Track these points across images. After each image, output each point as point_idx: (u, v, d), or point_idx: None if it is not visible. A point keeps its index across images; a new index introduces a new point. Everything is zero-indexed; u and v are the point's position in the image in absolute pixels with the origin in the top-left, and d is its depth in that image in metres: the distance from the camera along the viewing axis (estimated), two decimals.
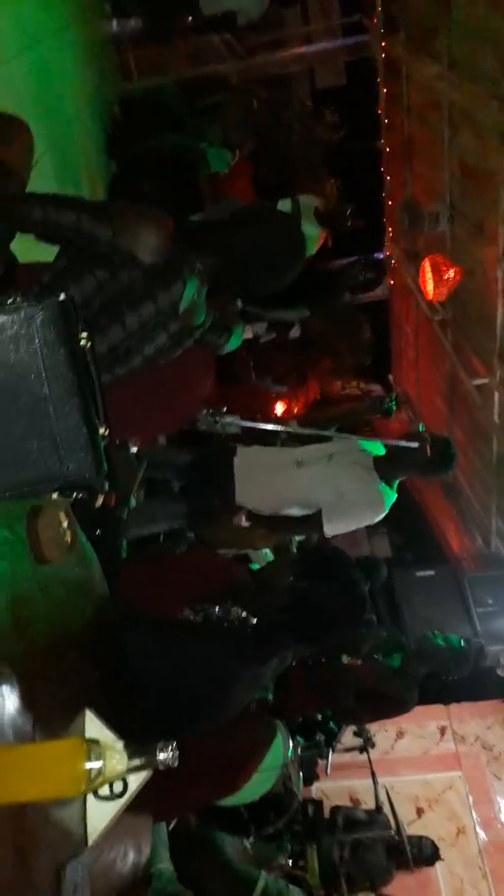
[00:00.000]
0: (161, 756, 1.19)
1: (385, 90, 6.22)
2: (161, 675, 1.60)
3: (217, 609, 1.86)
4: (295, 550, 3.90)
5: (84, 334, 1.05)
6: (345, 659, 3.22)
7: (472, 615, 4.78)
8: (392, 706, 3.45)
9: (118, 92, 5.84)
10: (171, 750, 1.19)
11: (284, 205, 4.26)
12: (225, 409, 2.51)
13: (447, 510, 6.43)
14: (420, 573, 5.09)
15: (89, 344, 1.07)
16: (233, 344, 2.21)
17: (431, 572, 5.14)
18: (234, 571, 2.17)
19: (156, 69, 6.09)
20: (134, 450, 1.85)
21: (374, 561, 4.62)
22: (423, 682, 3.48)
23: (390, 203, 6.43)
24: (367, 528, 5.32)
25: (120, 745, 1.18)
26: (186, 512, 3.20)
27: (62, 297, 1.02)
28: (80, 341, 1.05)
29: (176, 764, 1.19)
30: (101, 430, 1.13)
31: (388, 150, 6.32)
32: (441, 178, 5.06)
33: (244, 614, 1.87)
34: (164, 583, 2.04)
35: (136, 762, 1.18)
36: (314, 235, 4.21)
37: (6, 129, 1.99)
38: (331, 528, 3.01)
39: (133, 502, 3.27)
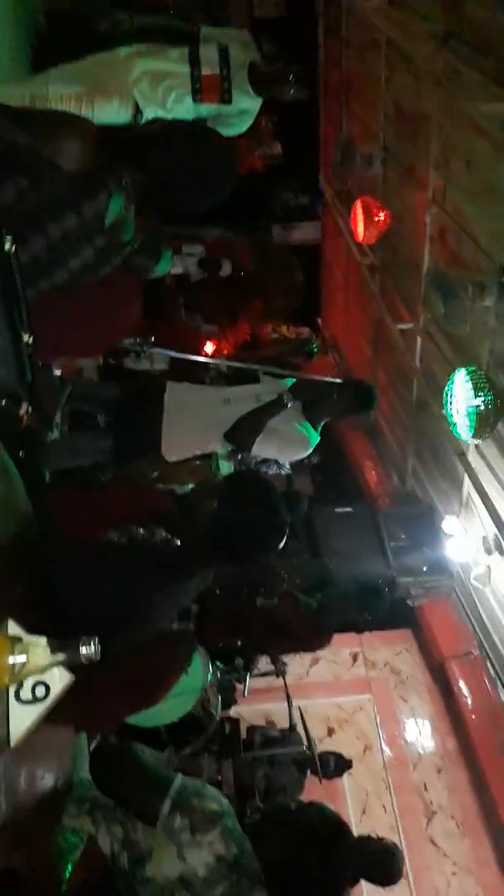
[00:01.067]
0: (83, 650, 1.24)
1: (324, 22, 6.09)
2: (83, 589, 1.64)
3: (141, 531, 1.90)
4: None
5: (8, 238, 1.04)
6: (259, 601, 3.34)
7: (386, 549, 5.03)
8: (303, 645, 3.61)
9: (45, 2, 5.48)
10: (93, 644, 1.24)
11: (208, 49, 3.50)
12: (153, 339, 2.51)
13: (367, 450, 6.65)
14: (339, 510, 5.29)
15: (13, 249, 1.05)
16: (162, 268, 2.19)
17: (349, 509, 5.35)
18: (158, 497, 2.21)
19: None
20: (57, 372, 1.84)
21: (295, 495, 4.77)
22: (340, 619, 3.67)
23: (327, 143, 6.37)
24: (291, 466, 5.47)
25: (43, 640, 1.22)
26: (113, 447, 3.21)
27: None
28: (2, 246, 1.04)
29: (97, 657, 1.24)
30: (25, 338, 1.13)
31: (324, 85, 6.23)
32: (376, 118, 5.05)
33: (168, 536, 1.92)
34: (88, 506, 2.06)
35: (60, 656, 1.23)
36: (250, 108, 3.63)
37: None
38: (257, 449, 3.12)
39: (57, 433, 3.25)
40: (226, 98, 3.48)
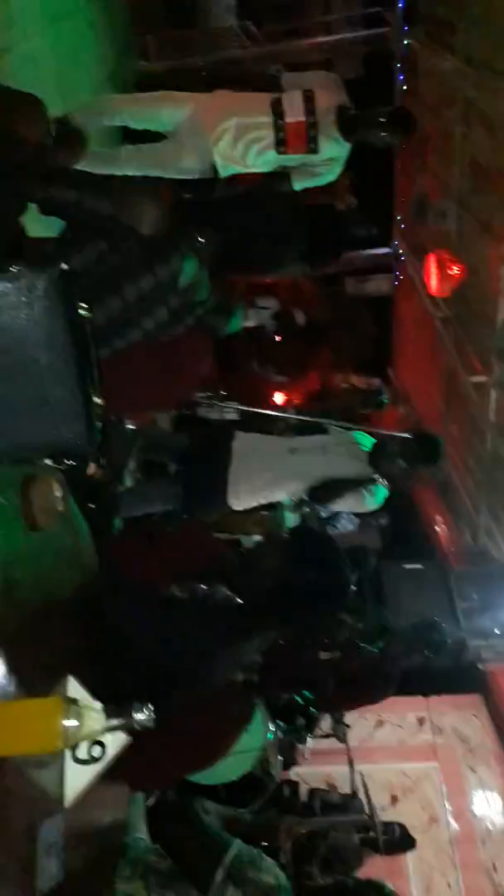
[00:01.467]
0: (137, 717, 1.22)
1: (401, 83, 6.20)
2: (144, 645, 1.63)
3: (203, 587, 1.89)
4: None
5: (83, 305, 1.08)
6: (323, 655, 3.27)
7: (457, 610, 4.83)
8: (370, 694, 3.50)
9: (137, 72, 5.82)
10: (148, 711, 1.22)
11: (292, 95, 3.25)
12: (223, 393, 2.55)
13: (439, 506, 6.48)
14: (408, 566, 5.14)
15: (88, 315, 1.09)
16: (233, 326, 2.23)
17: (419, 566, 5.19)
18: (222, 551, 2.20)
19: (175, 51, 6.06)
20: (130, 427, 1.88)
21: (363, 550, 4.67)
22: (406, 672, 3.54)
23: (402, 198, 6.43)
24: (360, 518, 5.37)
25: (98, 705, 1.22)
26: (182, 494, 3.24)
27: (63, 266, 1.04)
28: (78, 311, 1.08)
29: (152, 725, 1.22)
30: (96, 400, 1.16)
31: (402, 144, 6.31)
32: (451, 173, 5.07)
33: (229, 593, 1.90)
34: (153, 558, 2.07)
35: (114, 722, 1.22)
36: (339, 156, 3.32)
37: (20, 104, 2.01)
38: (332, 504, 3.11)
39: (129, 482, 3.32)
40: (312, 147, 3.20)
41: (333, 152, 3.28)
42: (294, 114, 3.16)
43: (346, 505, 3.23)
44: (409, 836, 4.07)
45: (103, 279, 1.58)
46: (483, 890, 4.44)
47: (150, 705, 1.22)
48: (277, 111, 3.15)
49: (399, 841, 4.05)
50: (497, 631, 4.87)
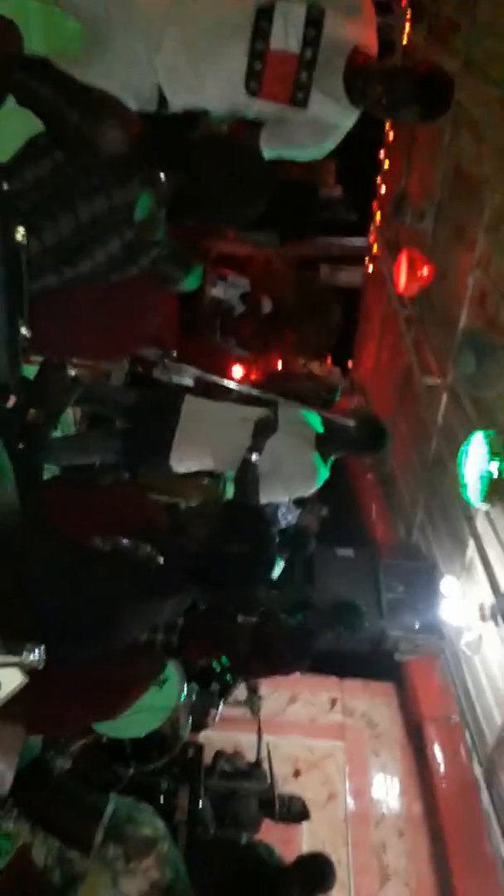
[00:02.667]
0: (29, 657, 1.24)
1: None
2: (57, 588, 1.65)
3: (126, 542, 1.91)
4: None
5: (21, 230, 1.06)
6: (240, 618, 3.31)
7: (382, 599, 4.98)
8: (284, 665, 3.58)
9: None
10: (39, 653, 1.24)
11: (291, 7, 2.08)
12: (175, 353, 2.54)
13: (379, 499, 6.62)
14: (341, 552, 5.26)
15: (25, 241, 1.07)
16: (191, 283, 2.17)
17: (351, 552, 5.32)
18: (153, 512, 2.22)
19: None
20: (73, 373, 1.87)
21: (305, 533, 4.73)
22: (325, 652, 3.62)
23: (383, 191, 6.47)
24: (300, 503, 5.45)
25: None
26: (122, 449, 3.23)
27: (4, 186, 1.01)
28: (14, 235, 1.05)
29: (39, 667, 1.24)
30: (23, 331, 1.15)
31: (391, 138, 6.33)
32: (434, 175, 5.12)
33: (153, 553, 1.93)
34: (80, 506, 2.07)
35: (3, 658, 1.23)
36: (338, 123, 2.22)
37: None
38: (264, 497, 3.12)
39: (68, 428, 3.29)
40: (298, 97, 2.11)
41: (329, 114, 2.17)
42: (284, 38, 2.06)
43: (288, 482, 3.26)
44: (306, 810, 4.21)
45: (57, 193, 1.54)
46: (370, 868, 4.63)
47: (42, 647, 1.23)
48: (261, 26, 2.05)
49: (296, 813, 4.19)
50: (417, 625, 5.04)
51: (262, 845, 2.84)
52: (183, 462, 3.18)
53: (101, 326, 1.97)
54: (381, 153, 6.40)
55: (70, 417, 3.81)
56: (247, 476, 3.02)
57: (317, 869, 2.75)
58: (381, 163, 6.39)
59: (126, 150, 1.55)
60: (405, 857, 4.67)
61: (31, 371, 1.98)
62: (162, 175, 1.60)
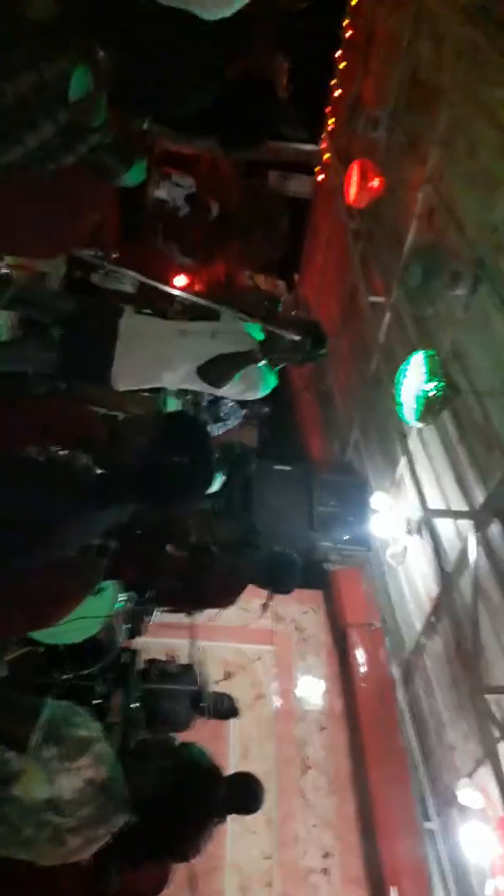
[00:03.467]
0: None
1: None
2: None
3: (63, 452, 1.86)
4: None
5: None
6: (168, 548, 3.31)
7: (314, 512, 5.13)
8: (205, 602, 3.63)
9: None
10: None
11: None
12: (115, 256, 2.41)
13: (316, 415, 6.70)
14: (278, 467, 5.35)
15: None
16: (133, 177, 2.01)
17: (288, 468, 5.41)
18: (89, 421, 2.15)
19: None
20: (5, 270, 1.74)
21: (248, 451, 4.74)
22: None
23: (336, 94, 6.19)
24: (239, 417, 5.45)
25: None
26: (58, 362, 3.12)
27: None
28: None
29: None
30: None
31: (347, 36, 6.01)
32: (391, 81, 4.92)
33: (89, 463, 1.89)
34: (12, 414, 2.00)
35: None
36: None
37: None
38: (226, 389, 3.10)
39: (3, 334, 3.13)
40: None
41: None
42: None
43: (237, 388, 3.22)
44: (235, 707, 4.43)
45: None
46: (293, 760, 4.97)
47: None
48: None
49: (225, 710, 4.41)
50: (346, 537, 5.23)
51: (193, 745, 2.97)
52: (124, 379, 3.11)
53: (34, 220, 1.83)
54: (338, 53, 6.08)
55: (3, 322, 3.63)
56: (237, 364, 3.02)
57: (247, 786, 2.88)
58: (336, 63, 6.08)
59: (55, 16, 1.36)
60: (324, 750, 5.02)
61: None
62: (100, 50, 1.42)
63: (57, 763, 2.15)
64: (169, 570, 3.17)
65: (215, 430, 4.26)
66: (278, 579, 3.46)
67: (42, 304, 3.21)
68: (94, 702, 3.62)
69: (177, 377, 3.24)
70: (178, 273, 5.96)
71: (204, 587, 3.31)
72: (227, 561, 3.43)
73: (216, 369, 3.04)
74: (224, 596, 3.52)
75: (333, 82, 6.22)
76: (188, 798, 2.48)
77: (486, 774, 3.48)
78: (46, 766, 2.15)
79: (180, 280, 5.93)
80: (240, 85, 1.92)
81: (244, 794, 2.86)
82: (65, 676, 3.53)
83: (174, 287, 4.65)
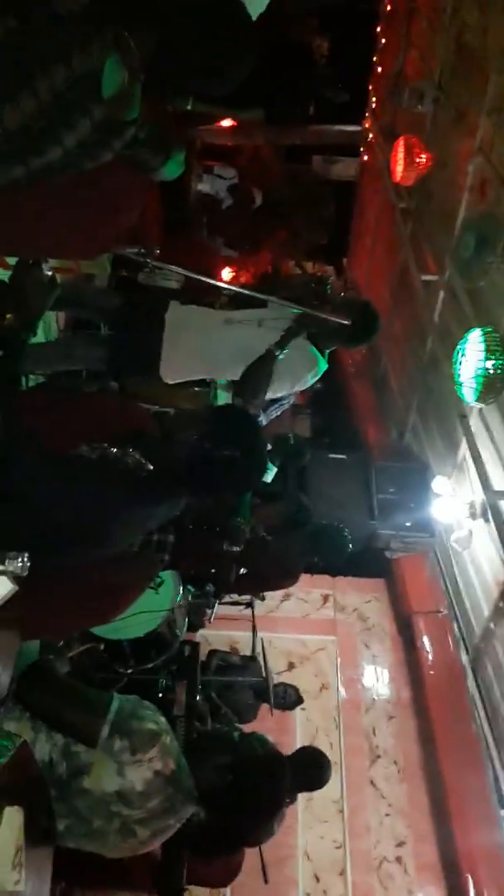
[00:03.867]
0: (10, 566, 1.22)
1: None
2: (43, 497, 1.61)
3: (114, 450, 1.86)
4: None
5: None
6: (225, 546, 3.31)
7: (373, 500, 5.04)
8: (269, 585, 3.63)
9: None
10: (23, 560, 1.22)
11: None
12: (158, 251, 2.40)
13: (371, 401, 6.58)
14: (333, 455, 5.28)
15: None
16: (171, 171, 1.98)
17: (343, 456, 5.34)
18: (140, 418, 2.16)
19: None
20: (49, 273, 1.74)
21: (301, 442, 4.69)
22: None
23: (378, 70, 6.03)
24: (293, 407, 5.41)
25: None
26: (107, 358, 3.14)
27: None
28: None
29: (25, 574, 1.22)
30: None
31: (389, 9, 5.84)
32: (435, 52, 4.76)
33: (141, 460, 1.89)
34: (64, 413, 2.01)
35: None
36: None
37: None
38: (271, 393, 3.07)
39: (44, 336, 3.16)
40: None
41: None
42: None
43: (284, 386, 3.19)
44: (300, 697, 4.41)
45: (14, 65, 1.34)
46: (361, 749, 4.92)
47: (26, 555, 1.21)
48: None
49: (290, 701, 4.39)
50: (408, 524, 5.13)
51: (255, 736, 2.96)
52: (173, 372, 3.11)
53: (72, 220, 1.82)
54: (378, 28, 5.92)
55: (53, 323, 3.68)
56: (264, 370, 2.96)
57: (311, 760, 2.88)
58: (377, 39, 5.93)
59: (84, 5, 1.35)
60: (393, 739, 4.95)
61: (5, 276, 1.85)
62: (131, 40, 1.39)
63: (126, 755, 2.18)
64: (227, 560, 3.18)
65: (265, 418, 4.23)
66: (325, 549, 3.46)
67: (88, 303, 3.24)
68: (158, 695, 3.67)
69: (226, 369, 3.22)
70: (224, 266, 5.96)
71: (262, 572, 3.33)
72: (280, 543, 3.44)
73: (246, 386, 3.03)
74: (283, 576, 3.52)
75: (375, 59, 6.06)
76: (249, 790, 2.49)
77: None
78: (116, 759, 2.18)
79: (226, 273, 5.92)
80: (277, 52, 1.88)
81: (310, 768, 2.87)
82: (128, 671, 3.59)
83: (220, 280, 4.63)
